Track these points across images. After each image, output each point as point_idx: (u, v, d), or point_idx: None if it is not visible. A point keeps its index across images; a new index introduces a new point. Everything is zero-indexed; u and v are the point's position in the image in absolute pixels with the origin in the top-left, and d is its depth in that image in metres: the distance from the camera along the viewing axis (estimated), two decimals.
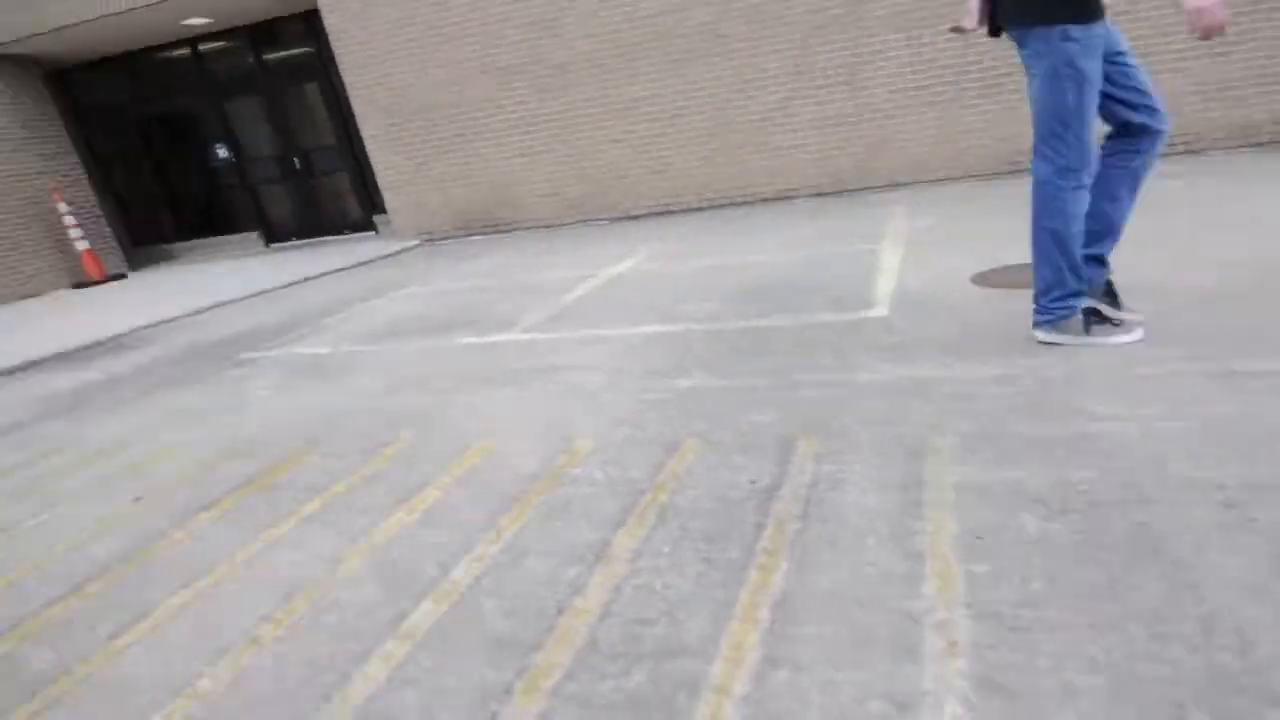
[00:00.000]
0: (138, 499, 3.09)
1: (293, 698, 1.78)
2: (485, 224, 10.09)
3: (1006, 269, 4.27)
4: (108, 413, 4.47)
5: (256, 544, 2.55)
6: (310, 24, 11.10)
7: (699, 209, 9.06)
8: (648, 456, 2.71)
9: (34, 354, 6.44)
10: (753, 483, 2.41)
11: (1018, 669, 1.51)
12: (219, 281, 9.35)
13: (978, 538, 1.94)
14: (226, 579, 2.35)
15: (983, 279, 4.19)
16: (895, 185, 8.26)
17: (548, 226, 9.74)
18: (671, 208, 9.22)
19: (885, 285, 4.42)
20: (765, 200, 8.80)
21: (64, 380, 5.54)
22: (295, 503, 2.81)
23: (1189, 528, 1.83)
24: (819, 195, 8.54)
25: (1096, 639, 1.55)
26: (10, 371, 6.13)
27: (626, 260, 6.55)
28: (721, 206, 8.94)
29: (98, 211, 12.54)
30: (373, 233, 11.92)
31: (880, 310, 3.96)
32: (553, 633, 1.85)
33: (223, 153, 12.68)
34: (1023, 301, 3.47)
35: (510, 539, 2.31)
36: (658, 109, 8.90)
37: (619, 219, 9.39)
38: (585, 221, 9.58)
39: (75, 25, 10.59)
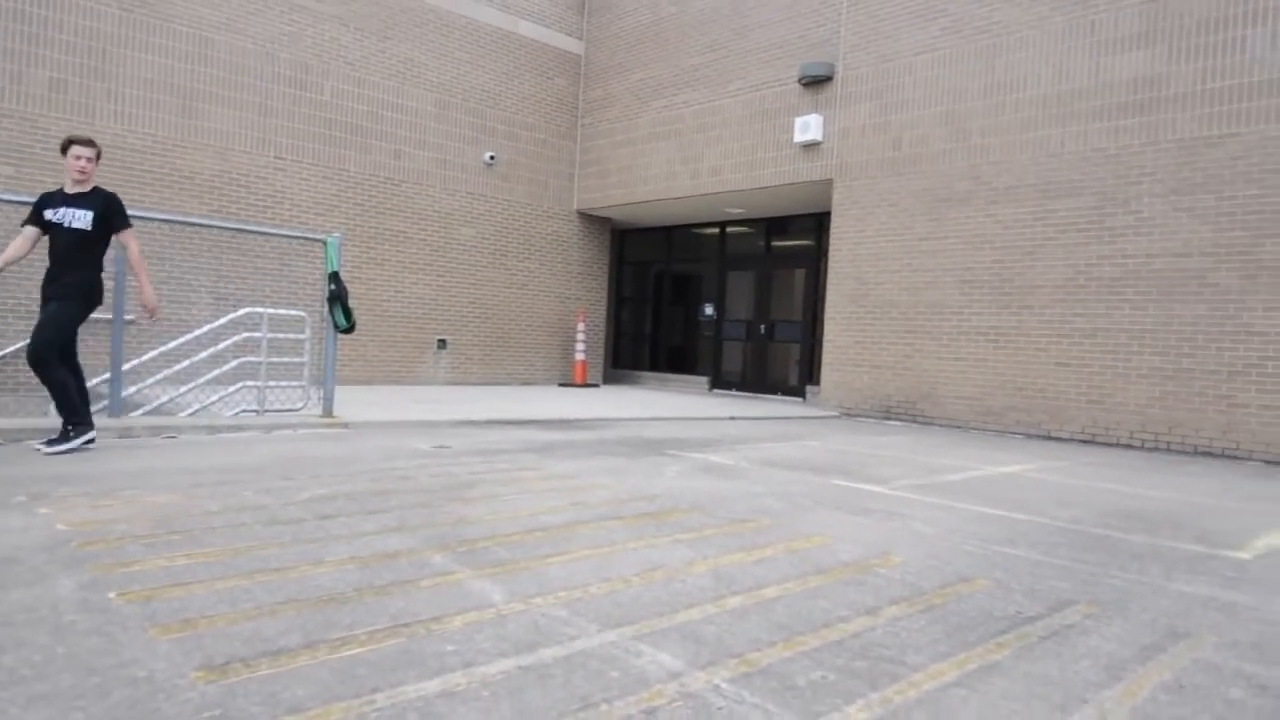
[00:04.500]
0: (573, 503, 4.38)
1: (631, 609, 2.71)
2: (901, 412, 10.78)
3: None
4: (565, 458, 6.04)
5: (641, 542, 3.60)
6: (820, 222, 13.23)
7: (1129, 445, 8.79)
8: (942, 577, 3.26)
9: (527, 417, 8.64)
10: (1018, 613, 2.85)
11: None
12: (666, 403, 11.28)
13: (1180, 686, 2.23)
14: (617, 553, 3.42)
15: None
16: None
17: (960, 428, 10.12)
18: (1099, 439, 9.06)
19: (1270, 540, 4.29)
20: (1208, 453, 8.27)
21: (541, 435, 7.42)
22: (673, 530, 3.84)
23: None
24: (1277, 463, 7.83)
25: None
26: (512, 423, 8.30)
27: (1018, 465, 6.81)
28: (1154, 449, 8.58)
29: (601, 335, 15.77)
30: (801, 399, 13.25)
31: (1244, 555, 3.93)
32: (803, 635, 2.55)
33: (709, 311, 15.20)
34: None
35: (814, 587, 3.05)
36: (1116, 342, 8.97)
37: (1036, 436, 9.44)
38: (999, 431, 9.78)
39: (651, 203, 13.97)
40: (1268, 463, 7.87)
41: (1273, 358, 7.96)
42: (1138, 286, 8.84)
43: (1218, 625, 2.83)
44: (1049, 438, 9.40)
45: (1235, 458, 8.10)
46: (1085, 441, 9.11)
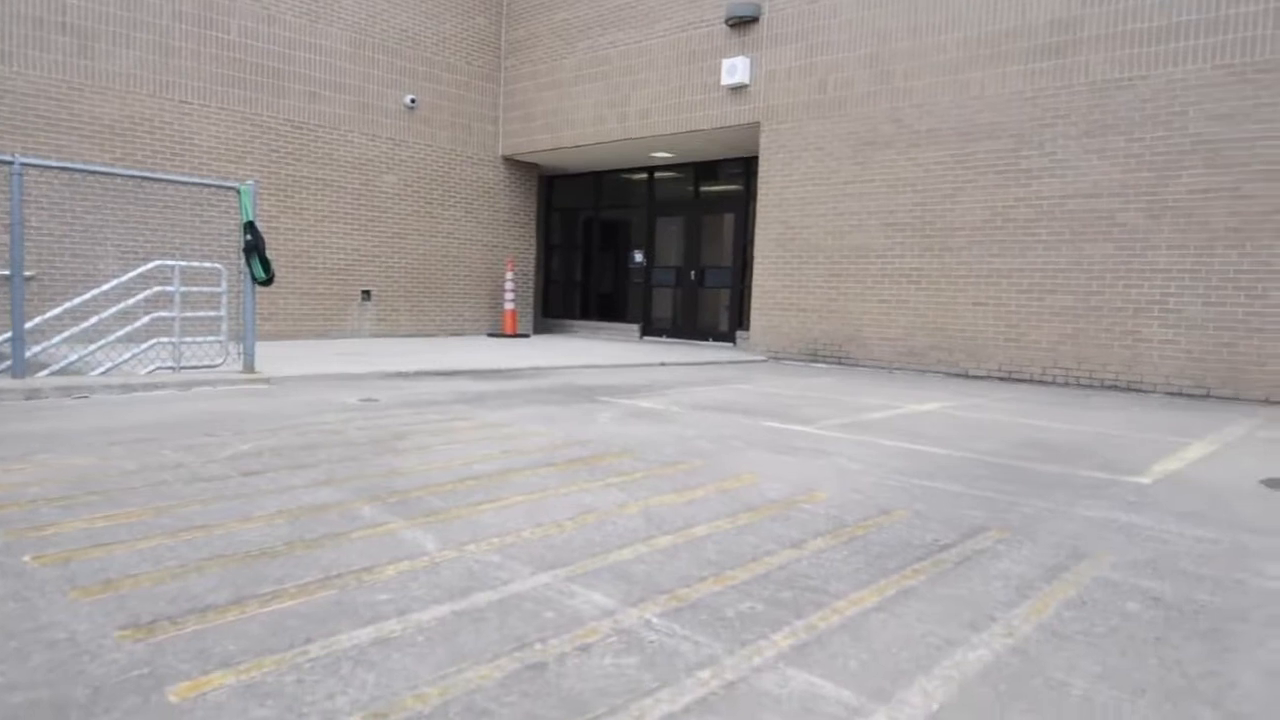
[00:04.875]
0: (505, 451, 4.39)
1: (564, 551, 2.75)
2: (828, 355, 11.02)
3: None
4: (497, 408, 6.02)
5: (574, 487, 3.63)
6: (748, 167, 13.25)
7: (1042, 381, 9.17)
8: (864, 511, 3.38)
9: (457, 368, 8.57)
10: (935, 540, 2.99)
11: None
12: (597, 351, 11.30)
13: (1083, 602, 2.38)
14: (550, 498, 3.45)
15: (1278, 483, 4.19)
16: (1269, 402, 7.76)
17: (884, 368, 10.40)
18: (1014, 375, 9.42)
19: (1168, 466, 4.56)
20: (1114, 387, 8.69)
21: (472, 386, 7.37)
22: (605, 474, 3.89)
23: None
24: (1177, 394, 8.27)
25: None
26: (441, 374, 8.22)
27: (937, 403, 7.05)
28: (1065, 385, 8.97)
29: (530, 284, 15.63)
30: (731, 344, 13.42)
31: (1144, 479, 4.17)
32: (731, 570, 2.63)
33: (639, 258, 15.16)
34: None
35: (743, 524, 3.13)
36: (1030, 282, 9.28)
37: (955, 375, 9.77)
38: (921, 371, 10.09)
39: (578, 147, 13.75)
40: (1169, 394, 8.32)
41: (1174, 294, 8.36)
42: (1051, 227, 9.14)
43: (1118, 545, 3.01)
44: (967, 376, 9.74)
45: (1139, 390, 8.53)
46: (1002, 379, 9.47)
